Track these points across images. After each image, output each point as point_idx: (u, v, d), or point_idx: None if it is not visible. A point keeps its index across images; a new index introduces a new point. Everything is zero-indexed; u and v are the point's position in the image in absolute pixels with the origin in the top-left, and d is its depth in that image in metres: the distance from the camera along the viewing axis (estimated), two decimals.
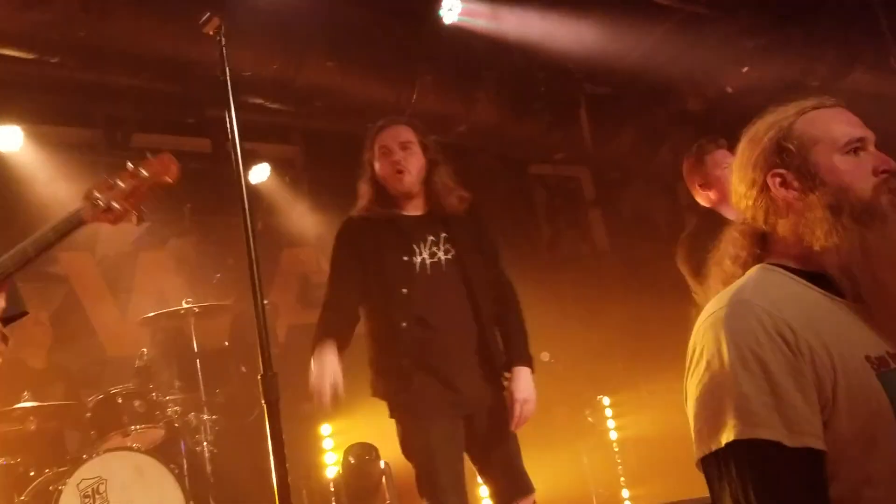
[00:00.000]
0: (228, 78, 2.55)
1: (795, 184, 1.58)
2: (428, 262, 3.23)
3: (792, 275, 1.57)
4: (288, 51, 5.17)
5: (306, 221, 6.75)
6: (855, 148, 1.59)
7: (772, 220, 1.61)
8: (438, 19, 5.55)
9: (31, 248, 2.43)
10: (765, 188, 1.61)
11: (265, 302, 2.40)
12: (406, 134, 3.33)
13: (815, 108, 1.64)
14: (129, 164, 2.61)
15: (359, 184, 3.38)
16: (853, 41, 5.70)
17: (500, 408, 3.21)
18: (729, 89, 6.03)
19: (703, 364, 1.50)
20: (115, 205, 2.54)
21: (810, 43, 5.67)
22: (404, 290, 3.18)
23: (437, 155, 3.37)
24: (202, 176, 5.88)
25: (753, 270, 1.61)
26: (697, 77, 6.13)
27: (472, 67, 6.09)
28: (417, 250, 3.23)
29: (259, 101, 5.34)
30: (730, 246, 1.68)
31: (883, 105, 5.51)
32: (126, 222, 2.61)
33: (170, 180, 2.65)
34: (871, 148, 1.61)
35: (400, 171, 3.25)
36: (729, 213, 3.82)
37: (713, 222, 3.83)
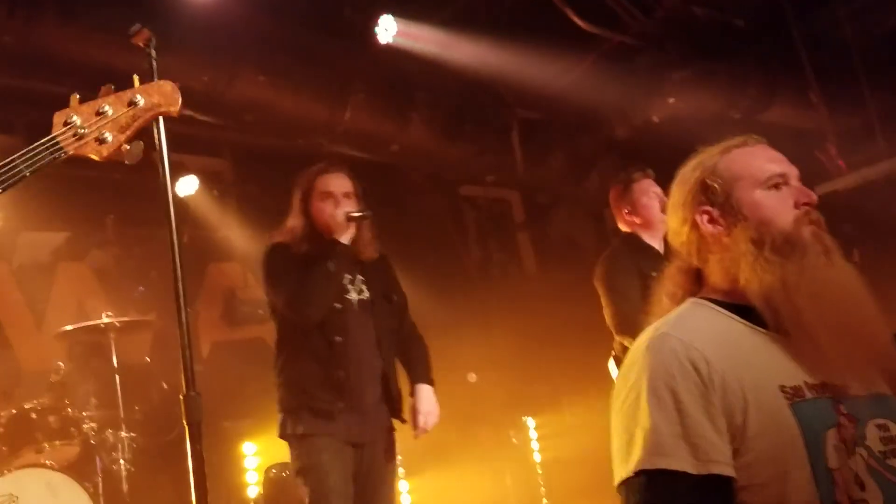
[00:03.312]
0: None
1: (721, 220, 1.65)
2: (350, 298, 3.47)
3: (718, 308, 1.62)
4: (219, 63, 5.11)
5: (234, 236, 6.66)
6: (776, 183, 1.65)
7: (703, 255, 1.68)
8: (373, 38, 5.56)
9: None
10: (694, 225, 1.67)
11: (188, 310, 2.36)
12: (348, 185, 3.51)
13: (738, 146, 1.71)
14: (112, 87, 2.19)
15: (289, 218, 3.57)
16: (774, 75, 5.91)
17: (392, 443, 3.51)
18: (655, 119, 6.18)
19: (622, 393, 1.56)
20: (108, 136, 2.12)
21: (733, 76, 5.85)
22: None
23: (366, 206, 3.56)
24: (126, 187, 5.75)
25: (682, 305, 1.67)
26: (625, 105, 6.26)
27: (405, 88, 6.11)
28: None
29: (188, 112, 5.25)
30: (667, 282, 1.75)
31: (802, 138, 5.72)
32: (117, 160, 2.17)
33: (173, 112, 2.24)
34: (794, 182, 1.67)
35: (338, 221, 3.41)
36: (647, 238, 3.94)
37: (632, 245, 3.94)
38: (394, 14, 5.57)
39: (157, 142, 2.46)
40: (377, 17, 5.53)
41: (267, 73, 5.34)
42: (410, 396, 3.53)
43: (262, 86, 5.35)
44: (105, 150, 2.13)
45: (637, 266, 3.71)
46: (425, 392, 3.52)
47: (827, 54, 5.74)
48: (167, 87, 2.25)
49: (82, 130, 2.09)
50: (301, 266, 3.39)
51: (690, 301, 1.67)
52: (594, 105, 6.31)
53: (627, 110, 6.26)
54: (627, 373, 1.56)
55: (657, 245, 3.91)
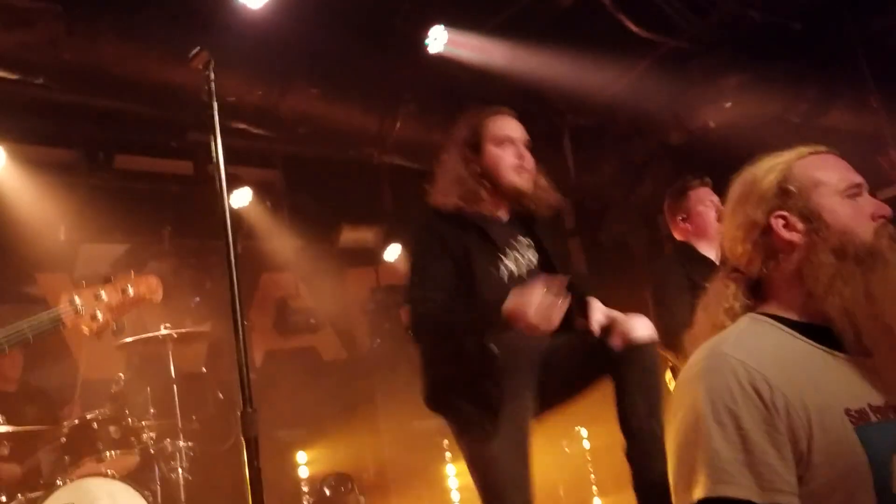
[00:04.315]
0: (216, 110, 2.54)
1: (799, 225, 1.57)
2: (515, 272, 2.88)
3: (780, 325, 1.56)
4: (272, 77, 5.17)
5: (285, 246, 6.74)
6: (855, 193, 1.59)
7: (771, 264, 1.59)
8: (423, 48, 5.57)
9: (3, 341, 2.47)
10: (767, 230, 1.59)
11: (244, 323, 2.38)
12: (524, 133, 3.00)
13: (812, 153, 1.65)
14: (113, 279, 2.71)
15: (439, 171, 2.99)
16: (832, 79, 5.78)
17: None
18: (711, 124, 6.08)
19: (679, 417, 1.50)
20: (100, 315, 2.62)
21: (791, 80, 5.73)
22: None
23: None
24: (182, 199, 5.85)
25: (741, 321, 1.60)
26: (679, 111, 6.18)
27: (456, 97, 6.11)
28: (504, 259, 2.88)
29: (242, 125, 5.32)
30: (719, 294, 1.66)
31: (862, 143, 5.59)
32: (104, 333, 2.67)
33: (155, 301, 2.78)
34: (867, 194, 1.61)
35: (525, 169, 2.92)
36: (703, 248, 3.87)
37: (686, 254, 3.87)
38: (444, 24, 5.57)
39: (213, 155, 2.50)
40: (428, 28, 5.53)
41: (318, 85, 5.39)
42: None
43: (314, 98, 5.41)
44: (95, 326, 2.61)
45: (690, 278, 3.62)
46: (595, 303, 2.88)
47: (886, 58, 5.60)
48: (153, 281, 2.79)
49: (81, 308, 2.57)
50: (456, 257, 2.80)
51: (749, 317, 1.60)
52: (648, 111, 6.23)
53: (682, 115, 6.17)
54: (683, 391, 1.51)
55: (713, 255, 3.84)
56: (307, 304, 7.09)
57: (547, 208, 3.00)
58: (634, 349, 2.72)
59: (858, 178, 1.61)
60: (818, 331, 1.53)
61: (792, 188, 1.59)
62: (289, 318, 6.91)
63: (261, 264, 6.79)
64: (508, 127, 2.98)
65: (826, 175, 1.60)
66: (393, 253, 7.22)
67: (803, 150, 1.66)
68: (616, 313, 2.83)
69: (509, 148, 2.93)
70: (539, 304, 2.49)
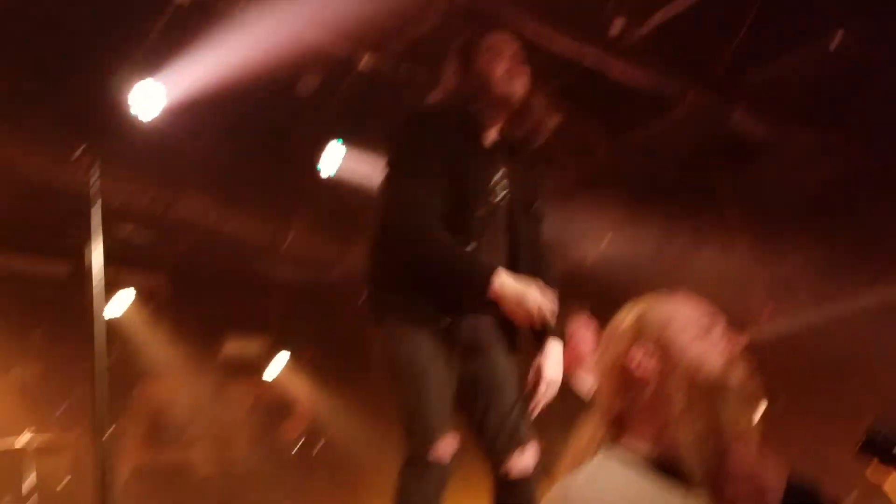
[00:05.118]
0: (100, 208, 2.53)
1: (652, 363, 1.62)
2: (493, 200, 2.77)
3: (630, 462, 1.60)
4: (164, 183, 5.16)
5: (165, 354, 6.55)
6: (705, 328, 1.66)
7: (629, 400, 1.64)
8: (319, 166, 5.64)
9: None
10: (624, 368, 1.65)
11: (105, 436, 2.29)
12: (519, 47, 2.86)
13: (666, 292, 1.74)
14: None
15: (445, 72, 2.85)
16: (705, 223, 6.14)
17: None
18: (589, 259, 6.34)
19: None
20: None
21: (665, 223, 6.08)
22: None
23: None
24: (56, 300, 5.66)
25: (596, 458, 1.64)
26: (561, 242, 6.42)
27: (349, 214, 6.20)
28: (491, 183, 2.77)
29: (129, 228, 5.26)
30: (584, 428, 1.73)
31: (730, 285, 5.91)
32: None
33: None
34: (721, 329, 1.68)
35: (518, 74, 2.79)
36: (576, 380, 4.00)
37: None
38: (343, 142, 5.66)
39: (86, 259, 2.46)
40: (324, 146, 5.62)
41: (211, 193, 5.40)
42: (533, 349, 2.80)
43: (205, 206, 5.40)
44: None
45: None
46: (555, 350, 2.79)
47: (752, 206, 6.03)
48: None
49: None
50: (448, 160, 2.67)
51: (603, 454, 1.64)
52: None
53: (563, 249, 6.41)
54: None
55: (583, 389, 3.96)
56: (183, 416, 6.85)
57: (540, 131, 2.85)
58: (518, 482, 2.68)
59: (709, 315, 1.70)
60: (669, 465, 1.57)
61: (646, 328, 1.67)
62: (163, 430, 6.65)
63: (137, 372, 6.56)
64: (502, 39, 2.86)
65: (677, 313, 1.69)
66: (278, 366, 7.10)
67: (659, 292, 1.75)
68: (550, 374, 2.73)
69: (502, 57, 2.80)
70: (529, 303, 2.51)
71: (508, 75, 2.76)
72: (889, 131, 5.26)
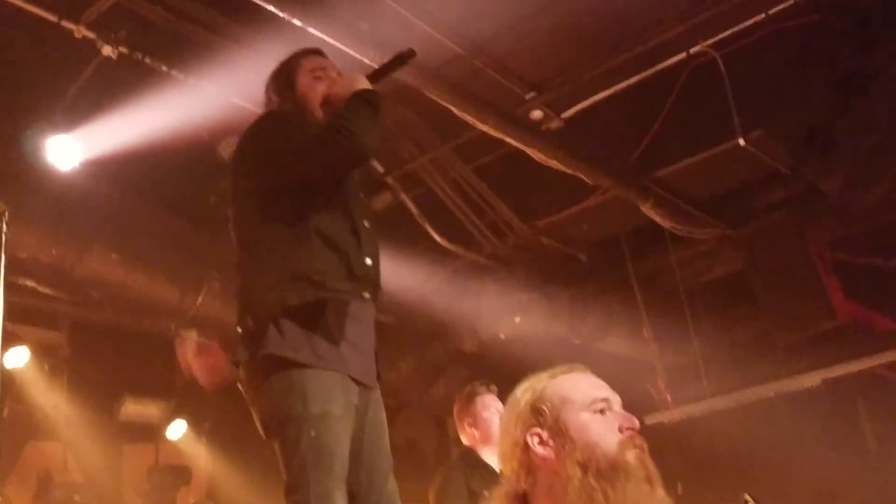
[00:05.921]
0: (3, 260, 2.47)
1: (550, 442, 1.66)
2: None
3: None
4: (71, 238, 5.02)
5: (59, 413, 6.30)
6: (601, 408, 1.70)
7: (531, 478, 1.68)
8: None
9: None
10: (525, 447, 1.69)
11: None
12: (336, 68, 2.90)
13: (565, 372, 1.79)
14: None
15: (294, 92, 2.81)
16: (612, 308, 6.32)
17: None
18: (502, 335, 6.41)
19: None
20: None
21: (575, 304, 6.23)
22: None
23: None
24: None
25: None
26: (474, 320, 6.49)
27: None
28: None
29: (31, 283, 5.08)
30: None
31: (634, 370, 6.06)
32: None
33: None
34: (617, 408, 1.73)
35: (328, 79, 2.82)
36: (487, 454, 4.00)
37: (469, 461, 3.98)
38: None
39: None
40: None
41: (120, 251, 5.27)
42: None
43: (114, 263, 5.27)
44: None
45: (468, 486, 3.73)
46: None
47: (658, 294, 6.23)
48: None
49: None
50: None
51: None
52: (446, 316, 6.50)
53: (476, 324, 6.48)
54: None
55: (495, 463, 3.96)
56: (75, 480, 6.56)
57: None
58: None
59: (605, 394, 1.74)
60: None
61: (544, 407, 1.71)
62: (52, 494, 6.35)
63: (28, 431, 6.28)
64: (320, 60, 2.88)
65: (574, 392, 1.73)
66: (177, 431, 6.89)
67: (558, 369, 1.80)
68: None
69: (321, 77, 2.82)
70: None
71: (335, 99, 2.72)
72: (788, 224, 5.53)
